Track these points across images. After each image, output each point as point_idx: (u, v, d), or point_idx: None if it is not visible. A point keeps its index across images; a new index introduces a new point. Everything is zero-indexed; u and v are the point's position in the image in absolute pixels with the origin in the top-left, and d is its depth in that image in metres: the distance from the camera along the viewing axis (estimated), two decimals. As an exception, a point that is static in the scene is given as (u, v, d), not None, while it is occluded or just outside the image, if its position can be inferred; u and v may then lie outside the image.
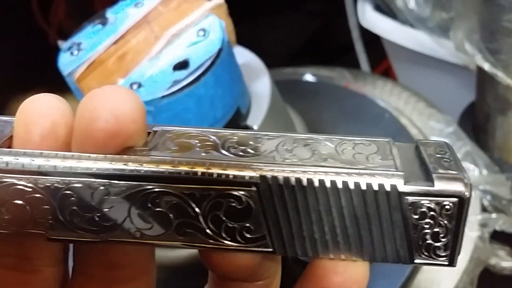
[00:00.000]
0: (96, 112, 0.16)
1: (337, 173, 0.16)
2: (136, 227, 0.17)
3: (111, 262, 0.18)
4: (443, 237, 0.16)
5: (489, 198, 0.50)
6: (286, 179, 0.16)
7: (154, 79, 0.37)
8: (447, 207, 0.16)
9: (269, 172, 0.16)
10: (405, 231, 0.16)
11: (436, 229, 0.16)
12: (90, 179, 0.16)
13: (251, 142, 0.17)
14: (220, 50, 0.37)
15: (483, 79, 0.53)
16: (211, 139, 0.17)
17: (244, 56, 0.45)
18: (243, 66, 0.42)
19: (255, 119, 0.41)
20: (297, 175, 0.16)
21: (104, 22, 0.40)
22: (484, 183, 0.51)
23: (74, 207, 0.16)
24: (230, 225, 0.17)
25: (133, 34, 0.39)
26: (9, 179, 0.16)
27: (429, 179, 0.16)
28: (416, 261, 0.17)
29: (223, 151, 0.17)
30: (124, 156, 0.16)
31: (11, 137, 0.17)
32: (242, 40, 0.44)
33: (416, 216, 0.16)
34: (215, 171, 0.16)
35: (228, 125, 0.40)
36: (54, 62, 0.40)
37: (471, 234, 0.45)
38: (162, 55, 0.38)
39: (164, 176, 0.16)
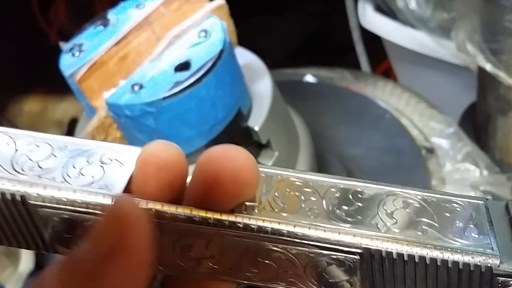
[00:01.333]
0: (218, 175, 0.17)
1: (438, 249, 0.17)
2: (244, 272, 0.18)
3: None
4: None
5: (490, 199, 0.50)
6: (389, 253, 0.17)
7: (156, 80, 0.37)
8: None
9: (372, 244, 0.17)
10: None
11: None
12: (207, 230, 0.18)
13: (351, 197, 0.19)
14: (221, 51, 0.37)
15: (484, 80, 0.53)
16: (315, 196, 0.19)
17: (245, 56, 0.45)
18: (244, 66, 0.42)
19: (256, 120, 0.41)
20: (399, 251, 0.17)
21: (105, 23, 0.40)
22: (485, 184, 0.51)
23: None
24: (330, 281, 0.18)
25: (135, 35, 0.39)
26: None
27: None
28: None
29: (330, 214, 0.18)
30: (244, 215, 0.18)
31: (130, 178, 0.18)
32: (241, 40, 0.44)
33: None
34: (323, 237, 0.17)
35: (230, 126, 0.40)
36: (54, 62, 0.40)
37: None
38: (164, 56, 0.38)
39: (279, 239, 0.18)
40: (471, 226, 0.18)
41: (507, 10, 0.45)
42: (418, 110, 0.57)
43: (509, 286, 0.17)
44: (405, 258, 0.17)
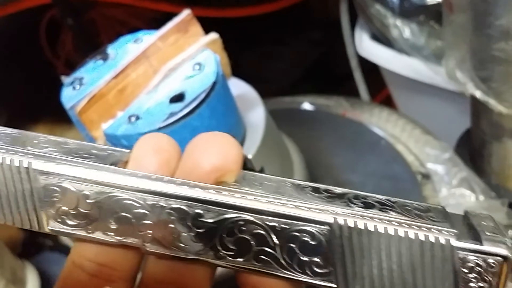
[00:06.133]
0: (206, 151, 0.20)
1: (400, 224, 0.19)
2: (221, 250, 0.19)
3: (179, 279, 0.20)
4: None
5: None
6: (355, 223, 0.19)
7: (152, 112, 0.38)
8: (492, 264, 0.18)
9: (341, 215, 0.19)
10: (454, 282, 0.19)
11: (481, 284, 0.19)
12: (191, 202, 0.19)
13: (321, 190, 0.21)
14: (214, 83, 0.38)
15: (477, 106, 0.54)
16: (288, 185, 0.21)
17: (239, 87, 0.47)
18: (238, 97, 0.44)
19: (250, 148, 0.42)
20: (365, 221, 0.19)
21: (105, 58, 0.42)
22: (481, 209, 0.52)
23: (172, 225, 0.19)
24: (302, 258, 0.19)
25: (133, 68, 0.40)
26: (121, 194, 0.19)
27: (478, 239, 0.19)
28: None
29: (308, 194, 0.20)
30: (222, 187, 0.20)
31: (126, 162, 0.21)
32: (244, 69, 0.45)
33: (465, 270, 0.19)
34: (296, 213, 0.19)
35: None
36: (60, 93, 0.41)
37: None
38: (160, 88, 0.39)
39: (256, 209, 0.19)
40: (431, 215, 0.20)
41: (495, 39, 0.46)
42: (414, 136, 0.58)
43: (470, 263, 0.18)
44: (370, 228, 0.19)
